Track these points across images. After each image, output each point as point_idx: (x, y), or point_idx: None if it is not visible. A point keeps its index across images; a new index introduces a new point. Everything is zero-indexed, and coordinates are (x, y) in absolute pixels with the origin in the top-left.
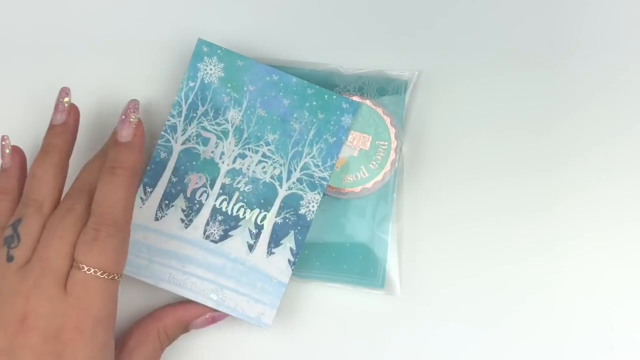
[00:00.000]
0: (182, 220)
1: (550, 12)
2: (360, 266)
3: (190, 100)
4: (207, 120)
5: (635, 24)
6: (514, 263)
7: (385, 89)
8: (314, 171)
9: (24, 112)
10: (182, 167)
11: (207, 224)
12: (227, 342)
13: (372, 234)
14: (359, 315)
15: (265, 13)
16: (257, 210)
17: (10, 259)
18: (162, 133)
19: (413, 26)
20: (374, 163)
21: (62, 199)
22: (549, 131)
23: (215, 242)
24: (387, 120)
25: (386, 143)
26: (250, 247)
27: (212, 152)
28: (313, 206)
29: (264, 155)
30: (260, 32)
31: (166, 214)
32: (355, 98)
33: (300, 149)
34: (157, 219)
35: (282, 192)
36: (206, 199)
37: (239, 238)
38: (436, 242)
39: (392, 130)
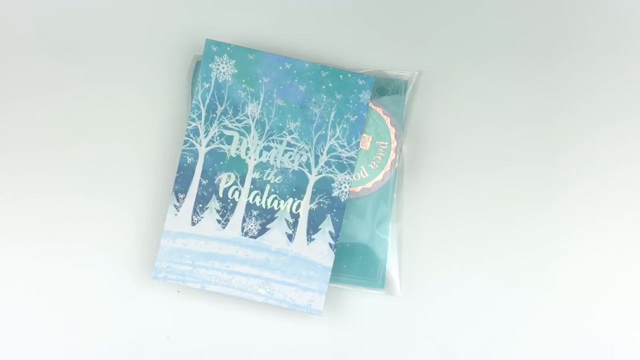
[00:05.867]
0: (219, 221)
1: (550, 13)
2: (360, 266)
3: (207, 101)
4: (227, 118)
5: (635, 24)
6: (514, 263)
7: (385, 89)
8: (340, 152)
9: (25, 112)
10: (210, 169)
11: (244, 220)
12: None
13: (372, 234)
14: (359, 315)
15: (266, 13)
16: (290, 200)
17: None
18: (186, 138)
19: (413, 27)
20: (374, 163)
21: None
22: (548, 131)
23: (255, 237)
24: (387, 120)
25: (386, 143)
26: (290, 237)
27: (238, 149)
28: (345, 187)
29: (288, 145)
30: (260, 33)
31: (202, 217)
32: None
33: (323, 132)
34: (193, 224)
35: (312, 178)
36: (239, 196)
37: (277, 230)
38: (436, 241)
39: (392, 130)
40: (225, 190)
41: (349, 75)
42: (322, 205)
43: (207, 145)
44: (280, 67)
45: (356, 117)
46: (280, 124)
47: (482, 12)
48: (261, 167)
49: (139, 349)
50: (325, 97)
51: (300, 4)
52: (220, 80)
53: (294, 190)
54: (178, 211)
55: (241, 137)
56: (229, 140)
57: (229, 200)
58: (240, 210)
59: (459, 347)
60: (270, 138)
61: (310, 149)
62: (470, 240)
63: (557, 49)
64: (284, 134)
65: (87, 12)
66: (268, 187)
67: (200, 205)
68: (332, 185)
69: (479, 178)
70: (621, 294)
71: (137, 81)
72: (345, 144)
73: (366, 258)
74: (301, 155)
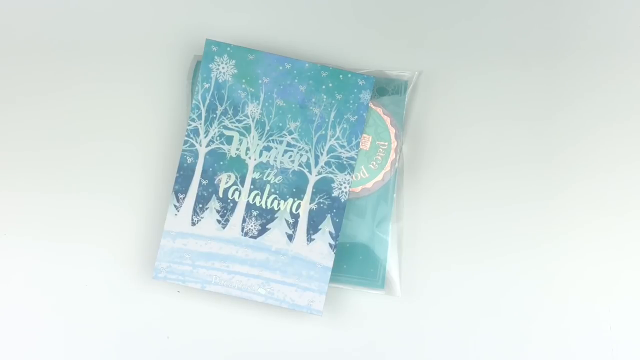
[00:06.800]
0: (219, 221)
1: (550, 13)
2: (360, 266)
3: (207, 101)
4: (227, 118)
5: (635, 24)
6: (514, 263)
7: (385, 89)
8: (340, 152)
9: (25, 112)
10: (210, 169)
11: (244, 220)
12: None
13: (372, 234)
14: (359, 315)
15: (266, 13)
16: (290, 200)
17: None
18: (186, 138)
19: (413, 27)
20: (374, 163)
21: None
22: (548, 130)
23: (255, 237)
24: (387, 120)
25: (386, 143)
26: (290, 237)
27: (238, 149)
28: (345, 187)
29: (288, 145)
30: (260, 33)
31: (202, 218)
32: None
33: (323, 132)
34: (193, 224)
35: (312, 178)
36: (239, 196)
37: (277, 230)
38: (436, 241)
39: (392, 131)
40: (225, 190)
41: (349, 75)
42: (322, 205)
43: (207, 145)
44: (280, 67)
45: (356, 117)
46: (280, 124)
47: (482, 13)
48: (261, 167)
49: (139, 349)
50: (325, 97)
51: (300, 4)
52: (220, 80)
53: (294, 190)
54: (178, 211)
55: (241, 137)
56: (229, 140)
57: (229, 200)
58: (240, 210)
59: (459, 347)
60: (270, 138)
61: (310, 149)
62: (470, 240)
63: (557, 49)
64: (284, 134)
65: (87, 12)
66: (268, 187)
67: (200, 205)
68: (332, 185)
69: (479, 178)
70: (621, 294)
71: (137, 81)
72: (345, 144)
73: (366, 258)
74: (301, 155)
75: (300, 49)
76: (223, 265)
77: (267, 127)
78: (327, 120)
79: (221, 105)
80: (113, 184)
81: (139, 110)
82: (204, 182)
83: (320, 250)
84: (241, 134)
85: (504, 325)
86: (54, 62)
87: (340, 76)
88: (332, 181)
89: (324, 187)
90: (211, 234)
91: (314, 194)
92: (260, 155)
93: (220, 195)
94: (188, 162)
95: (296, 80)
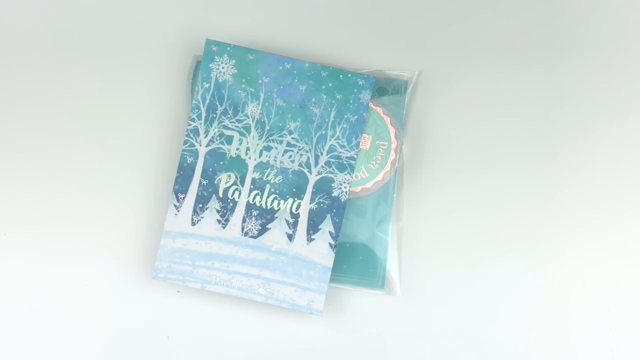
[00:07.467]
0: (219, 221)
1: (550, 14)
2: (360, 266)
3: (207, 101)
4: (227, 118)
5: (635, 24)
6: (514, 263)
7: (385, 89)
8: (340, 152)
9: (25, 112)
10: (210, 169)
11: (244, 220)
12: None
13: (372, 234)
14: (359, 315)
15: (265, 13)
16: (290, 200)
17: None
18: (186, 138)
19: (413, 27)
20: (374, 163)
21: None
22: (548, 130)
23: (255, 237)
24: (387, 120)
25: (386, 143)
26: (290, 237)
27: (238, 149)
28: (345, 187)
29: (288, 145)
30: (260, 33)
31: (202, 217)
32: None
33: (323, 132)
34: (193, 224)
35: (312, 178)
36: (239, 196)
37: (277, 230)
38: (436, 241)
39: (392, 130)
40: (225, 190)
41: (349, 75)
42: (322, 205)
43: (207, 145)
44: (280, 67)
45: (356, 117)
46: (280, 124)
47: (482, 13)
48: (261, 167)
49: (139, 349)
50: (325, 97)
51: (300, 5)
52: (220, 80)
53: (294, 190)
54: (178, 211)
55: (241, 137)
56: (229, 140)
57: (229, 200)
58: (240, 210)
59: (459, 347)
60: (270, 138)
61: (310, 149)
62: (470, 240)
63: (557, 49)
64: (284, 134)
65: (88, 12)
66: (268, 187)
67: (200, 205)
68: (332, 185)
69: (479, 178)
70: (621, 294)
71: (137, 81)
72: (345, 144)
73: (366, 258)
74: (301, 155)
75: (300, 49)
76: (223, 265)
77: (267, 127)
78: (327, 120)
79: (221, 105)
80: (113, 184)
81: (139, 110)
82: (204, 182)
83: (320, 250)
84: (241, 133)
85: (504, 325)
86: (54, 62)
87: (340, 76)
88: (332, 181)
89: (324, 187)
90: (211, 234)
91: (314, 193)
92: (260, 155)
93: (220, 195)
94: (188, 162)
95: (296, 80)
